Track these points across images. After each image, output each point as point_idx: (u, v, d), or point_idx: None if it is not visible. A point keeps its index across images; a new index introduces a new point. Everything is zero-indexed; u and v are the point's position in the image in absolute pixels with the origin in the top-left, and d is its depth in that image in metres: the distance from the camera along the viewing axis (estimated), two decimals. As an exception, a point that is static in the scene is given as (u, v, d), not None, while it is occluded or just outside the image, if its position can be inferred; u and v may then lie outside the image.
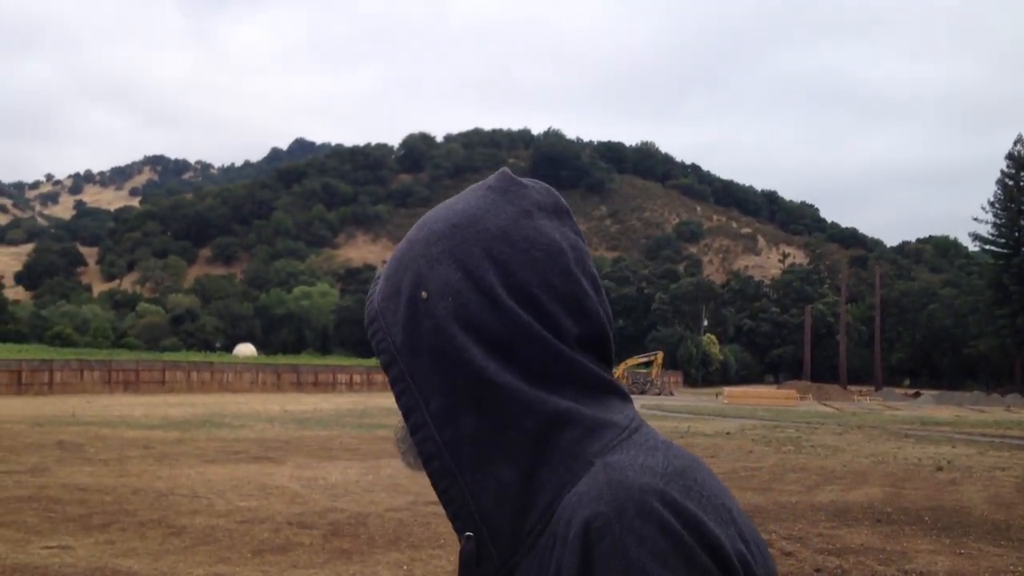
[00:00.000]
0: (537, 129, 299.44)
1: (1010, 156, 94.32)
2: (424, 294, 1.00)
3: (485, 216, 1.02)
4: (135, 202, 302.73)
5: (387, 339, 1.03)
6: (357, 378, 75.46)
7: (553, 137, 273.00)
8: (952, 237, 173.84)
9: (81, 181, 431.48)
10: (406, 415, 1.02)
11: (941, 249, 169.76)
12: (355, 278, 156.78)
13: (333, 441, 23.12)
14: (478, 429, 0.97)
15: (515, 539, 0.95)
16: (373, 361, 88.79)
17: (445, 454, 0.98)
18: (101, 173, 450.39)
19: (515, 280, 0.98)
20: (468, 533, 0.98)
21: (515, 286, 0.98)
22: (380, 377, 77.74)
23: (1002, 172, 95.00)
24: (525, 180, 1.06)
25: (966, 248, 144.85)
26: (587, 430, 0.94)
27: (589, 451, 0.93)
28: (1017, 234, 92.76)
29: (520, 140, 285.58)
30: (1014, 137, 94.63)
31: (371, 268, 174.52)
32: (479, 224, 1.01)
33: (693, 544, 0.84)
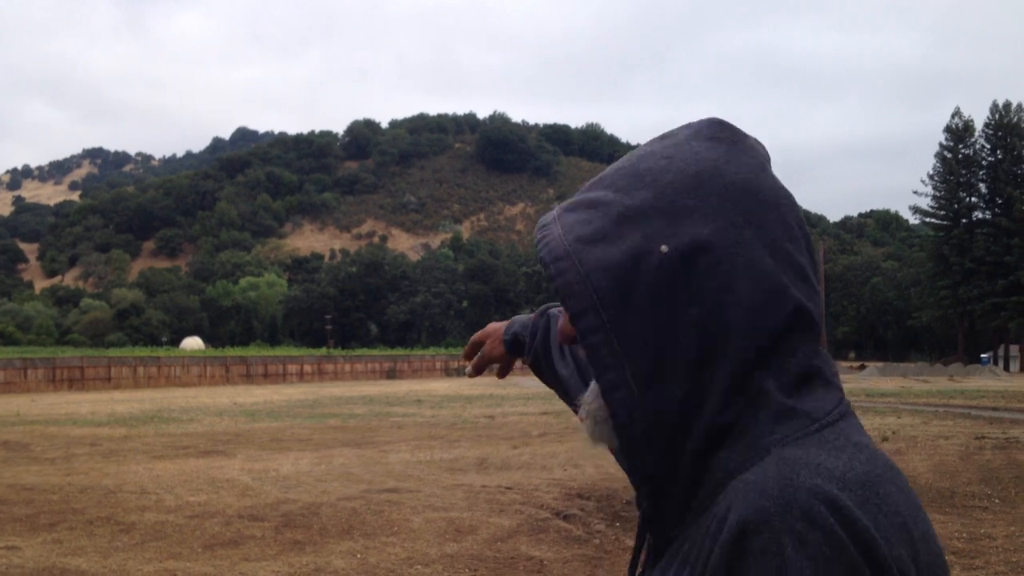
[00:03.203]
0: (482, 113, 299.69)
1: (948, 129, 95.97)
2: (664, 248, 0.92)
3: (727, 167, 0.95)
4: (75, 196, 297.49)
5: (583, 284, 0.95)
6: (308, 368, 74.96)
7: (499, 121, 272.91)
8: (893, 211, 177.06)
9: (19, 176, 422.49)
10: (600, 372, 0.94)
11: (883, 223, 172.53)
12: (303, 267, 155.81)
13: (284, 432, 22.95)
14: (687, 397, 0.91)
15: (681, 512, 0.93)
16: (322, 351, 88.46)
17: (640, 419, 0.93)
18: (39, 168, 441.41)
19: (769, 236, 0.92)
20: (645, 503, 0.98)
21: (771, 242, 0.92)
22: (331, 366, 77.31)
23: (940, 145, 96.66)
24: (741, 130, 1.01)
25: (907, 221, 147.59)
26: (774, 415, 0.89)
27: (768, 438, 0.88)
28: (956, 206, 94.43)
29: (466, 124, 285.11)
30: (952, 110, 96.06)
31: (319, 257, 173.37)
32: (725, 176, 0.94)
33: (858, 558, 0.79)
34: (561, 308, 1.62)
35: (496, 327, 1.85)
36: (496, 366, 1.85)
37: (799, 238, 0.94)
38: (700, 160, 0.95)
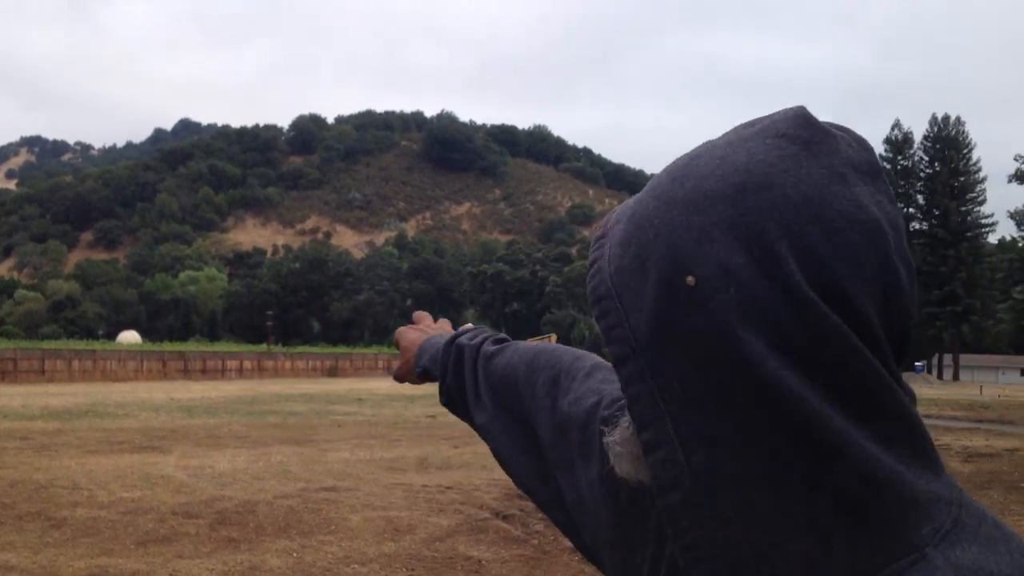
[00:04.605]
0: (430, 112, 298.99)
1: (888, 140, 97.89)
2: (691, 279, 0.72)
3: (783, 177, 0.73)
4: (12, 185, 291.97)
5: (623, 326, 0.77)
6: (247, 364, 74.23)
7: (446, 120, 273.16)
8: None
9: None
10: (641, 427, 0.77)
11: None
12: (244, 262, 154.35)
13: (221, 429, 22.69)
14: (753, 466, 0.71)
15: None
16: (263, 347, 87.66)
17: (693, 487, 0.73)
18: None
19: (822, 269, 0.71)
20: None
21: (822, 279, 0.70)
22: (271, 363, 76.63)
23: (880, 156, 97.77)
24: (831, 126, 0.78)
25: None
26: (914, 504, 0.70)
27: (917, 535, 0.70)
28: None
29: (413, 122, 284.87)
30: (892, 121, 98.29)
31: (261, 252, 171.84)
32: (775, 188, 0.72)
33: None
34: (465, 333, 1.47)
35: (412, 341, 1.58)
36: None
37: (870, 279, 0.72)
38: (752, 165, 0.74)
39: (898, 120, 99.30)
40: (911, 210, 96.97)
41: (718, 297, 0.71)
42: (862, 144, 0.77)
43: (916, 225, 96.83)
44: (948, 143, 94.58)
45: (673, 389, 0.74)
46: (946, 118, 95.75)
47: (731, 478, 0.71)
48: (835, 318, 0.70)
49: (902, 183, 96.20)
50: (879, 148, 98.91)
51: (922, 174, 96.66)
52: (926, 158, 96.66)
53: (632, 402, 0.77)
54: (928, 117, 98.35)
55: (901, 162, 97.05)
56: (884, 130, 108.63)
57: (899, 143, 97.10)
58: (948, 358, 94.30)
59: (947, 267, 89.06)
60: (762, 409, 0.70)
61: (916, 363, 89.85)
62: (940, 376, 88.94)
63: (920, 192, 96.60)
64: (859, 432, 0.69)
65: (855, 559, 0.69)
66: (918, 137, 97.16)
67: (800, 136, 0.75)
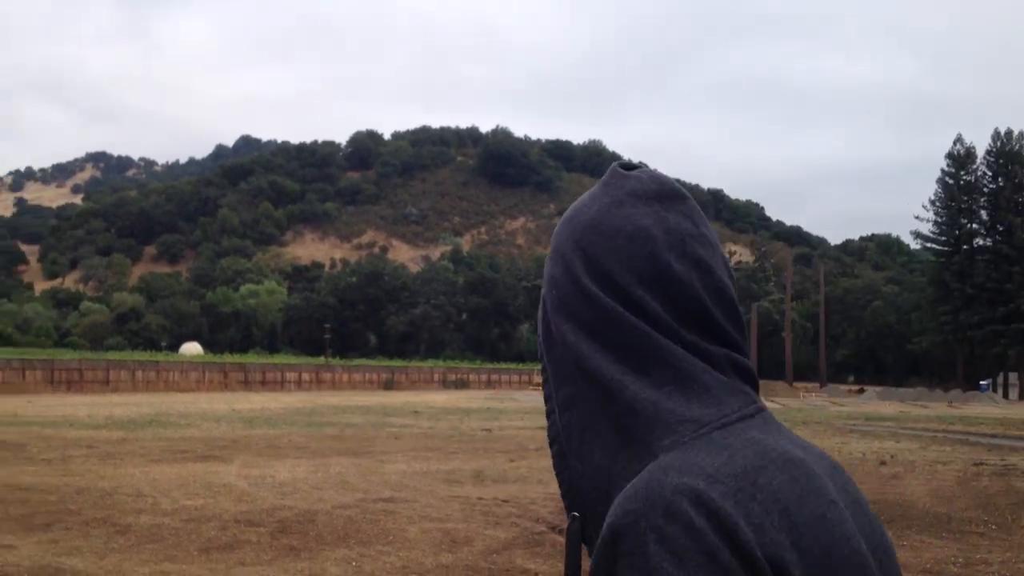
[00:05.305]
0: (485, 127, 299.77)
1: (950, 155, 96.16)
2: (544, 289, 1.10)
3: (583, 209, 1.07)
4: (78, 199, 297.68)
5: (540, 334, 1.12)
6: (306, 376, 74.93)
7: (501, 135, 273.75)
8: (894, 235, 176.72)
9: (22, 178, 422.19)
10: (545, 401, 1.10)
11: (884, 247, 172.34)
12: (303, 276, 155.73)
13: (281, 439, 22.93)
14: (581, 415, 1.01)
15: (599, 525, 0.96)
16: (321, 359, 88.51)
17: (562, 437, 1.04)
18: (43, 170, 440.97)
19: (598, 267, 1.02)
20: (574, 514, 1.01)
21: (598, 273, 1.02)
22: (329, 375, 77.47)
23: (942, 171, 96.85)
24: (634, 170, 1.09)
25: (908, 246, 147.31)
26: (661, 423, 0.95)
27: (659, 444, 0.94)
28: (958, 232, 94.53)
29: (468, 138, 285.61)
30: (952, 136, 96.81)
31: (319, 266, 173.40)
32: (577, 217, 1.07)
33: (718, 544, 0.84)
34: None
35: None
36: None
37: (639, 271, 1.01)
38: (575, 204, 1.11)
39: (960, 135, 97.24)
40: (974, 226, 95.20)
41: (548, 298, 1.08)
42: (652, 179, 1.07)
43: (980, 241, 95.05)
44: (1011, 158, 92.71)
45: (554, 370, 1.07)
46: (1008, 132, 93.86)
47: (579, 428, 1.02)
48: (610, 301, 1.01)
49: (965, 198, 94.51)
50: (941, 163, 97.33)
51: (985, 189, 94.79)
52: (989, 173, 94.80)
53: (544, 384, 1.11)
54: (990, 132, 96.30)
55: (964, 177, 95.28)
56: (945, 144, 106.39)
57: (961, 158, 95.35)
58: (1014, 377, 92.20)
59: (1012, 284, 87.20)
60: (582, 375, 1.01)
61: (981, 382, 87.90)
62: (1006, 395, 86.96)
63: (984, 208, 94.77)
64: (633, 380, 0.98)
65: (629, 468, 0.95)
66: (981, 152, 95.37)
67: (604, 180, 1.10)
